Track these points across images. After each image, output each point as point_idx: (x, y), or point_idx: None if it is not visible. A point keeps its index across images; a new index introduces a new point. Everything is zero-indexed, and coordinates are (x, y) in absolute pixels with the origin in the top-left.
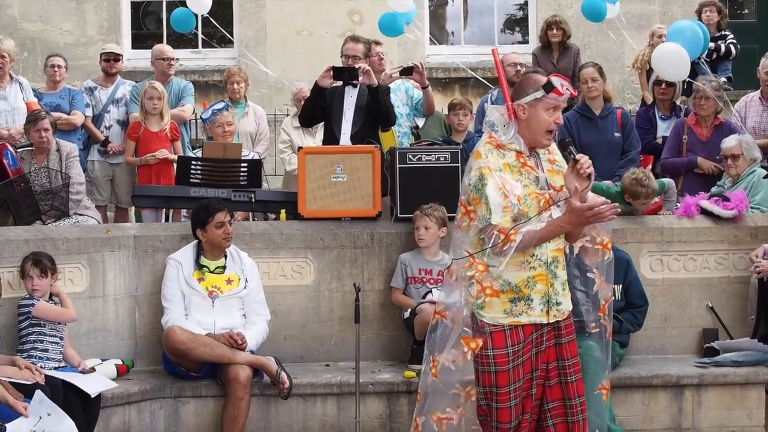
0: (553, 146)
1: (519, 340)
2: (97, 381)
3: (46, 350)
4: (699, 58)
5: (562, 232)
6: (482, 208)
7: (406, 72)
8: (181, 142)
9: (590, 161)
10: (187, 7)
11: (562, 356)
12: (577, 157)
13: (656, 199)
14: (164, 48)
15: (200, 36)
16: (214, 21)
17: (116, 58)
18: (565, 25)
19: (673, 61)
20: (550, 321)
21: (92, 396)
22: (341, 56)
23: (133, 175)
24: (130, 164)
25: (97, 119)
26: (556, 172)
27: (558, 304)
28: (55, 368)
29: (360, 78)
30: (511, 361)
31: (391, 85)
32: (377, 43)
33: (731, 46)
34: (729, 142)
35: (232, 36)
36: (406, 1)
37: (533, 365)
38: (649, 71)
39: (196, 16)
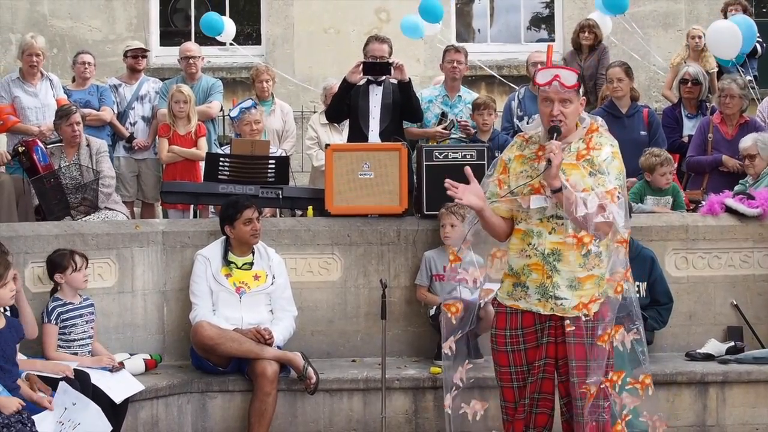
0: (596, 140)
1: (517, 326)
2: (125, 385)
3: (75, 353)
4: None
5: (487, 221)
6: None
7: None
8: (209, 138)
9: (554, 147)
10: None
11: (568, 356)
12: (546, 143)
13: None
14: (189, 46)
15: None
16: (236, 45)
17: (143, 54)
18: (597, 29)
19: (727, 37)
20: (547, 312)
21: (118, 403)
22: (366, 57)
23: (158, 170)
24: (167, 161)
25: (121, 116)
26: (574, 166)
27: (558, 298)
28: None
29: (392, 73)
30: (509, 344)
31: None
32: (457, 50)
33: (757, 45)
34: (745, 143)
35: (259, 41)
36: (437, 26)
37: (536, 355)
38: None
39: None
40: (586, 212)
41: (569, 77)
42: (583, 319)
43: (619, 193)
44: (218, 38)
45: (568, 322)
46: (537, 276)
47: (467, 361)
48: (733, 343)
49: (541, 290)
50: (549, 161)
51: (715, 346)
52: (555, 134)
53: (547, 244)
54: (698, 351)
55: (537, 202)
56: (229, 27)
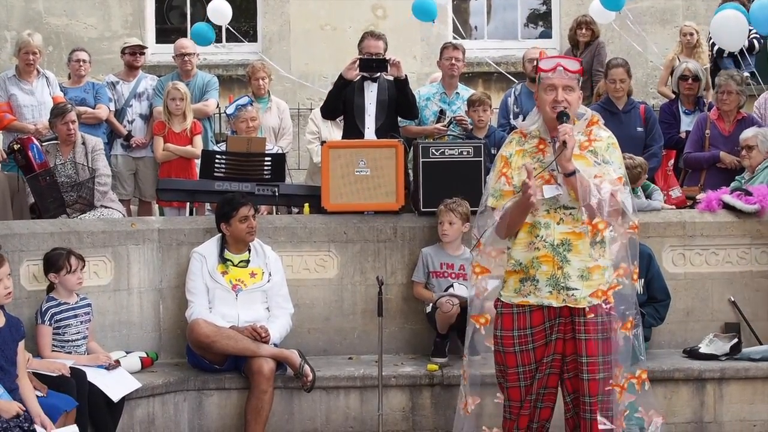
0: (596, 132)
1: (525, 326)
2: (121, 383)
3: (69, 352)
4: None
5: (523, 208)
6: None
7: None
8: (205, 136)
9: (568, 129)
10: (207, 19)
11: (578, 352)
12: (559, 126)
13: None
14: (184, 43)
15: (224, 31)
16: (235, 32)
17: (141, 51)
18: (594, 25)
19: (731, 27)
20: (560, 305)
21: (115, 401)
22: (361, 53)
23: (156, 169)
24: (162, 159)
25: (119, 114)
26: (579, 156)
27: (570, 289)
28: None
29: (389, 70)
30: (517, 344)
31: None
32: (455, 47)
33: (755, 41)
34: (746, 133)
35: (255, 38)
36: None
37: (545, 352)
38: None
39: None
40: (600, 198)
41: (572, 63)
42: (605, 306)
43: (624, 181)
44: (215, 23)
45: (587, 309)
46: (547, 268)
47: (465, 357)
48: (737, 340)
49: (552, 282)
50: (564, 143)
51: (718, 346)
52: (564, 119)
53: (556, 235)
54: (701, 350)
55: (550, 191)
56: (224, 9)
